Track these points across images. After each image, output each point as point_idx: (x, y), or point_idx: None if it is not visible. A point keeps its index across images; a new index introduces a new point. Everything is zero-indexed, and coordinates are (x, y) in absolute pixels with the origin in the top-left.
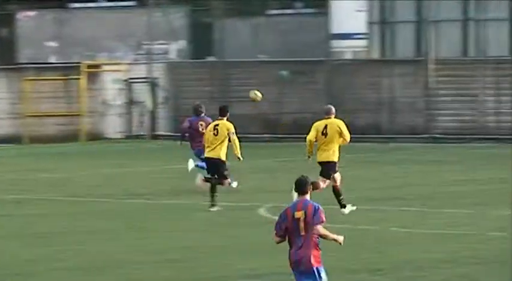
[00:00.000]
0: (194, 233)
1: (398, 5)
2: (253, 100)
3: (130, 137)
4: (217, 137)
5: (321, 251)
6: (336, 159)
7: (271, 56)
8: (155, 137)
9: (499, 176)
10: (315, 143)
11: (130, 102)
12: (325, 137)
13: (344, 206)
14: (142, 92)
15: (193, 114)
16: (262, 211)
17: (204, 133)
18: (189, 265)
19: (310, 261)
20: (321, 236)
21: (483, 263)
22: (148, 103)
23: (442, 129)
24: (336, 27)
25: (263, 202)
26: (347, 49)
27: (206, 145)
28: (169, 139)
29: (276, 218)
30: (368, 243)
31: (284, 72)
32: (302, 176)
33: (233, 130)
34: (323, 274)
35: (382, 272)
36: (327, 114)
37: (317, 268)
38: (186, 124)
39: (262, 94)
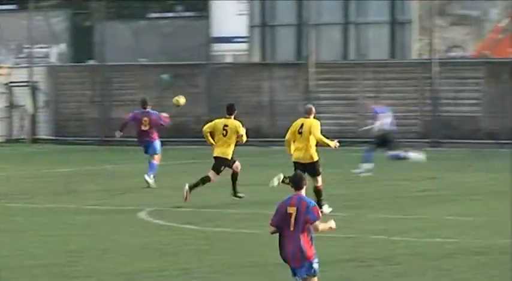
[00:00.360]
0: (76, 237)
1: (279, 8)
2: (176, 105)
3: (10, 141)
4: (226, 137)
5: (313, 246)
6: (316, 158)
7: (152, 59)
8: (35, 140)
9: (376, 179)
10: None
11: (11, 106)
12: (301, 135)
13: (321, 206)
14: (22, 96)
15: (140, 108)
16: (143, 215)
17: (144, 130)
18: (69, 269)
19: (299, 257)
20: (321, 231)
21: (365, 266)
22: (29, 107)
23: (322, 132)
24: (217, 31)
25: (145, 206)
26: (228, 53)
27: (216, 144)
28: (50, 143)
29: (157, 221)
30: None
31: (165, 76)
32: (298, 171)
33: (242, 131)
34: (315, 265)
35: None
36: (306, 113)
37: (309, 261)
38: (129, 115)
39: (186, 99)
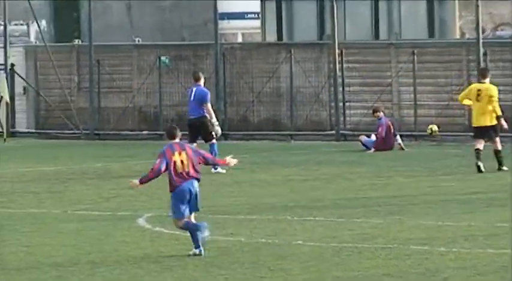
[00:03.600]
0: (63, 247)
1: None
2: None
3: None
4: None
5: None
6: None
7: (150, 38)
8: (13, 134)
9: (418, 182)
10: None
11: None
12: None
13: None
14: None
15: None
16: (141, 221)
17: None
18: None
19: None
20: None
21: None
22: (4, 95)
23: (351, 124)
24: (225, 5)
25: (144, 210)
26: (238, 31)
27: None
28: (30, 137)
29: (158, 229)
30: (266, 259)
31: (164, 59)
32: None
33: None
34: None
35: None
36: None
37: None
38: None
39: None
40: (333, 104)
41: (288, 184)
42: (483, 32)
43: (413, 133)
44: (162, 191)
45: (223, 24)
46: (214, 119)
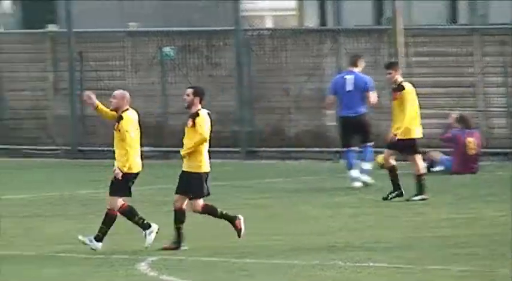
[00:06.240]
0: None
1: None
2: None
3: None
4: None
5: None
6: None
7: (148, 24)
8: None
9: None
10: None
11: None
12: None
13: None
14: None
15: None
16: (143, 267)
17: None
18: None
19: None
20: None
21: None
22: None
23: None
24: None
25: (146, 253)
26: (267, 13)
27: None
28: None
29: (166, 277)
30: None
31: (167, 50)
32: None
33: None
34: None
35: None
36: None
37: None
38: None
39: None
40: None
41: (338, 218)
42: None
43: (507, 150)
44: (167, 228)
45: (247, 4)
46: None
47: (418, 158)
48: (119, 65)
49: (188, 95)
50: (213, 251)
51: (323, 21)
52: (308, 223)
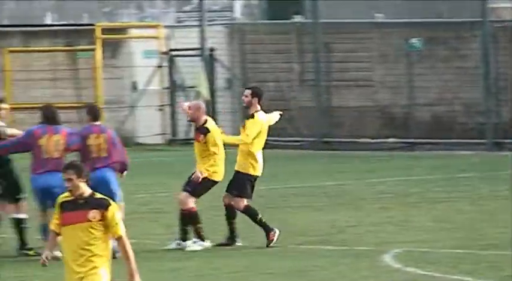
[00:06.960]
0: None
1: None
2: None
3: (174, 142)
4: None
5: None
6: None
7: (395, 14)
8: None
9: None
10: None
11: (173, 88)
12: None
13: None
14: (191, 72)
15: None
16: (388, 258)
17: None
18: None
19: None
20: None
21: None
22: (203, 88)
23: None
24: None
25: (390, 246)
26: None
27: None
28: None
29: (411, 269)
30: None
31: (415, 41)
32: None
33: None
34: None
35: None
36: None
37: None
38: None
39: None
40: None
41: None
42: None
43: None
44: (415, 219)
45: None
46: None
47: None
48: (365, 56)
49: (246, 96)
50: (457, 243)
51: None
52: None
